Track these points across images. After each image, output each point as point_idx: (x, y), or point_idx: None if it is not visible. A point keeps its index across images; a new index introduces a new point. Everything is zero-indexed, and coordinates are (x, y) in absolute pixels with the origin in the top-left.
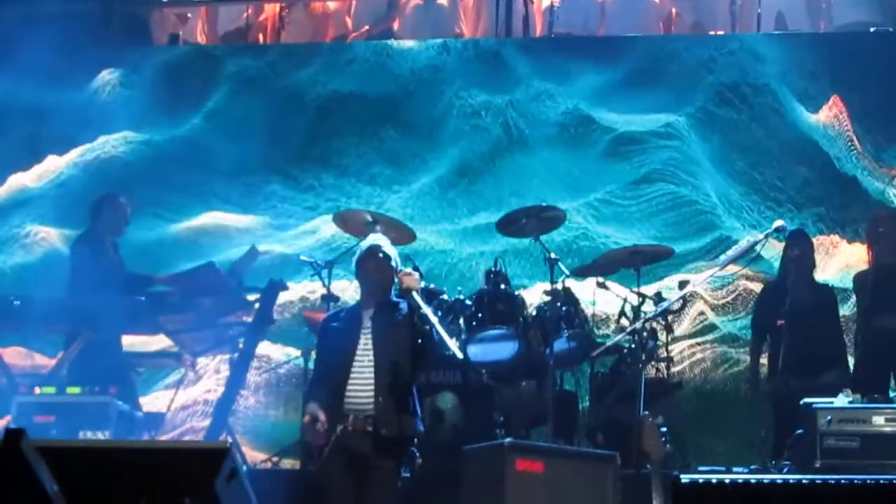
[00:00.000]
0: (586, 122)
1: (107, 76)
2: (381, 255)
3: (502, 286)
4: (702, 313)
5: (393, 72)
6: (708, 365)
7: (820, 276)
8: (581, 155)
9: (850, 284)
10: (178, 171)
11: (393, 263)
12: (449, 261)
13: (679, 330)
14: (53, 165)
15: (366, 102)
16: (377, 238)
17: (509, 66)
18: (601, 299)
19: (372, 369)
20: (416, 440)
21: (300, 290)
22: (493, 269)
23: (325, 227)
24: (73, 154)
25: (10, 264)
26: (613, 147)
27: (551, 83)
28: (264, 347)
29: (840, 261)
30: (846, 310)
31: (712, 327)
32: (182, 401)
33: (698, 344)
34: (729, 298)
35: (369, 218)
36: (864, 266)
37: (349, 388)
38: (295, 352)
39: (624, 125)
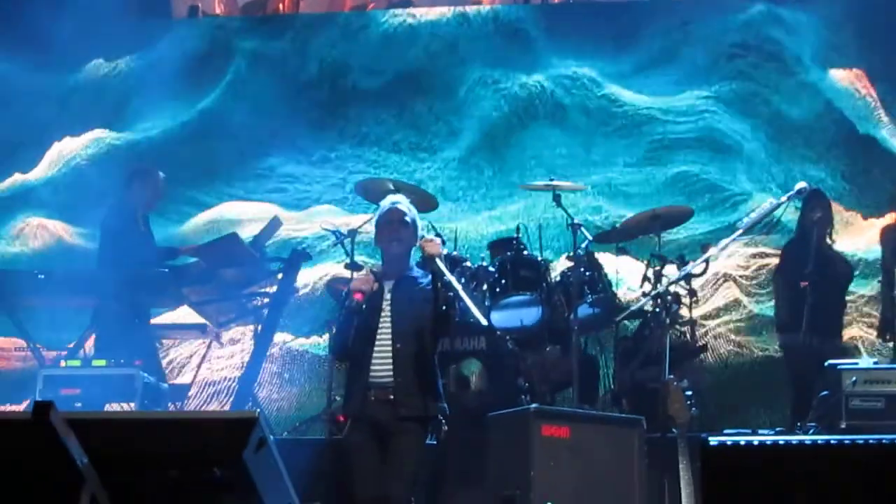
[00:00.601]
0: (606, 96)
1: (123, 56)
2: (400, 219)
3: (525, 252)
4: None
5: (412, 41)
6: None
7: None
8: (602, 130)
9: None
10: (194, 156)
11: (409, 220)
12: (476, 229)
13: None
14: (68, 148)
15: (385, 71)
16: (396, 198)
17: (529, 40)
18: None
19: (390, 346)
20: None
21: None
22: (515, 236)
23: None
24: (89, 136)
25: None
26: (634, 121)
27: (571, 59)
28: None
29: (867, 236)
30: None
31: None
32: (206, 373)
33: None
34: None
35: (391, 186)
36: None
37: (372, 361)
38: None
39: (645, 99)
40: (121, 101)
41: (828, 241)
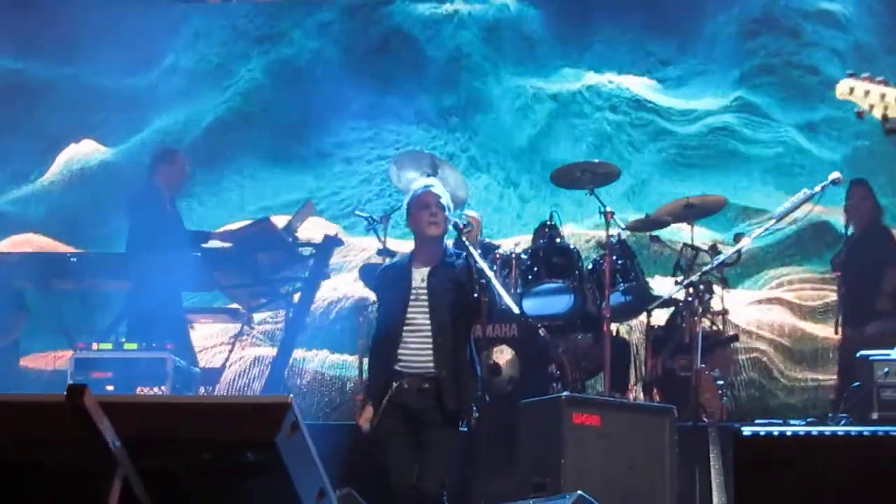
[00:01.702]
0: (633, 100)
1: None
2: (436, 202)
3: (557, 240)
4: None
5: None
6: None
7: None
8: (632, 134)
9: None
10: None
11: (444, 203)
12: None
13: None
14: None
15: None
16: (430, 181)
17: (550, 45)
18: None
19: (430, 337)
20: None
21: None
22: (547, 221)
23: None
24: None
25: None
26: (667, 122)
27: (598, 65)
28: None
29: None
30: None
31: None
32: (237, 357)
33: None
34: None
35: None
36: None
37: (404, 349)
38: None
39: (678, 101)
40: (149, 93)
41: (877, 225)
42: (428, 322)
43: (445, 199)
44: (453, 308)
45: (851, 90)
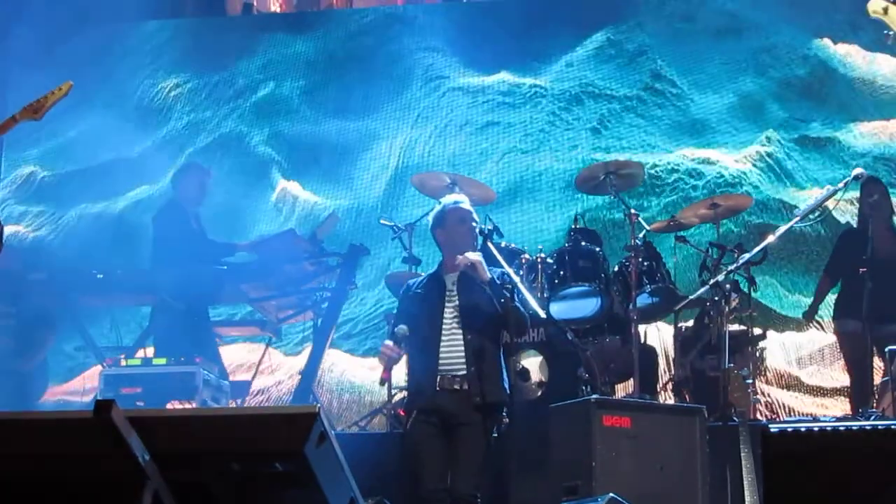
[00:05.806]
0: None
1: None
2: (468, 215)
3: (583, 243)
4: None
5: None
6: None
7: None
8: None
9: None
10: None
11: (476, 222)
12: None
13: None
14: None
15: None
16: (461, 198)
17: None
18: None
19: (460, 337)
20: (503, 404)
21: None
22: (573, 225)
23: None
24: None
25: None
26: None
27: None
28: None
29: None
30: None
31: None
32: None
33: None
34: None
35: (448, 179)
36: None
37: (442, 352)
38: None
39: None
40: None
41: (893, 223)
42: (459, 324)
43: (475, 215)
44: (481, 309)
45: (885, 10)
